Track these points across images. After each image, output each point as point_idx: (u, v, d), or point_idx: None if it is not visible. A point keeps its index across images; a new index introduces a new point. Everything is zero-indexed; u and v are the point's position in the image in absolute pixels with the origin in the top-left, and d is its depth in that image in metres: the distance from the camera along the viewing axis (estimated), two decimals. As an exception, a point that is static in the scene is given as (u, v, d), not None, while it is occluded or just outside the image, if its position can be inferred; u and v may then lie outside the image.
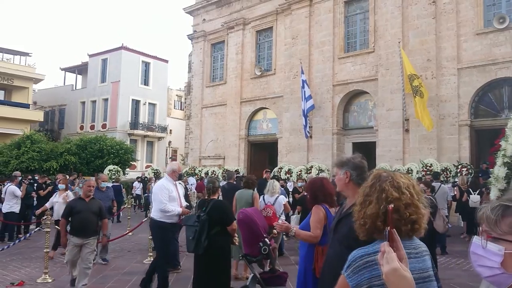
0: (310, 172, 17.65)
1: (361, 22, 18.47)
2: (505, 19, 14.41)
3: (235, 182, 8.81)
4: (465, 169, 14.43)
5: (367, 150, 18.61)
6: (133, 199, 17.85)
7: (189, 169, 23.10)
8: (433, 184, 9.03)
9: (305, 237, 4.44)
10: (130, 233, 10.41)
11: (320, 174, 17.01)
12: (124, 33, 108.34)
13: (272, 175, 16.08)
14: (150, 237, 8.72)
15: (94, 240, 6.06)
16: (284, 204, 6.66)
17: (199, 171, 22.64)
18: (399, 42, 16.30)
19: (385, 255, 1.25)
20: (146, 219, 9.60)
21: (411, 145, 16.17)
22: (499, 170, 4.01)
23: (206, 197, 4.77)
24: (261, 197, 7.08)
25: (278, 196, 6.76)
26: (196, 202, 16.30)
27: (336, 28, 18.78)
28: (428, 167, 14.86)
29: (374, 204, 1.65)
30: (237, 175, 11.98)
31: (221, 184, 8.25)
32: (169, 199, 5.69)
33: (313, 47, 19.38)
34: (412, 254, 1.57)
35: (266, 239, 5.43)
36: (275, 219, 6.44)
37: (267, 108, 21.62)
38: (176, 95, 44.03)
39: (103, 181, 8.68)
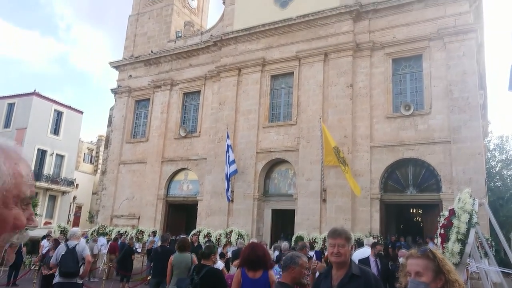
0: (230, 237, 17.58)
1: (285, 96, 19.76)
2: (410, 107, 16.46)
3: (168, 245, 8.48)
4: (376, 240, 15.42)
5: (285, 217, 19.21)
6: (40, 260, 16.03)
7: (99, 228, 21.59)
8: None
9: None
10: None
11: (240, 239, 17.02)
12: (38, 79, 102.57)
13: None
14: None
15: None
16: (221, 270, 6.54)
17: (109, 230, 21.26)
18: (320, 118, 17.62)
19: None
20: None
21: (327, 214, 16.99)
22: (453, 246, 4.49)
23: (200, 263, 4.60)
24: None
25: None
26: (114, 262, 15.14)
27: (262, 99, 19.81)
28: (343, 237, 15.62)
29: (452, 272, 2.04)
30: (172, 238, 11.44)
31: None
32: None
33: (239, 114, 20.10)
34: None
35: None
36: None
37: (189, 170, 21.48)
38: (87, 148, 41.88)
39: None
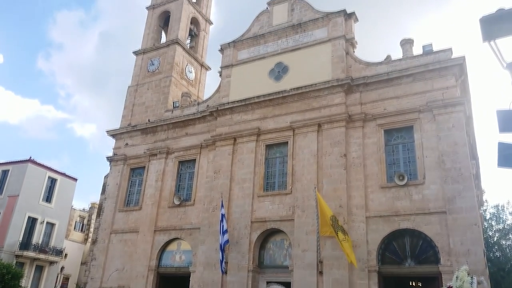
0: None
1: (280, 165, 19.88)
2: (404, 177, 16.55)
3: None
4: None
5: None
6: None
7: (85, 302, 20.59)
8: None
9: None
10: None
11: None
12: (36, 146, 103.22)
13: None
14: None
15: None
16: None
17: (96, 304, 20.27)
18: (314, 188, 17.59)
19: None
20: None
21: (324, 288, 16.39)
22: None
23: None
24: None
25: None
26: None
27: (257, 168, 19.91)
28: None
29: None
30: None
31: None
32: None
33: (234, 183, 20.07)
34: None
35: None
36: None
37: (182, 239, 20.98)
38: (79, 216, 41.18)
39: None
